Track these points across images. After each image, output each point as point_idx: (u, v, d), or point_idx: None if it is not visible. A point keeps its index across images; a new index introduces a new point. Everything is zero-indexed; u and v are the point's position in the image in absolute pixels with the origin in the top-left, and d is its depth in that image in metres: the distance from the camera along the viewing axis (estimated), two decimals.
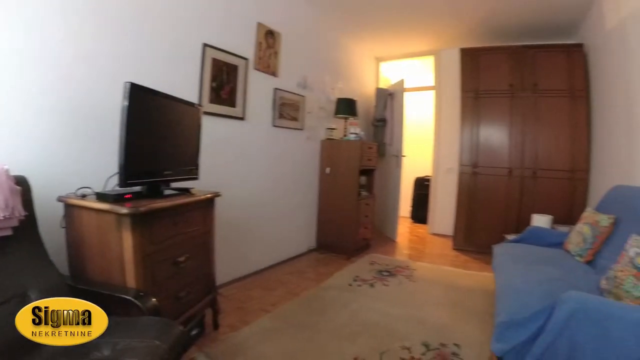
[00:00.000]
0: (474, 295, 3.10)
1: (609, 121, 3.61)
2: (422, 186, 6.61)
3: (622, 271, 1.80)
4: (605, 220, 2.45)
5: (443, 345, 2.26)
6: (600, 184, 3.67)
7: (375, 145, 4.73)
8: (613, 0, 3.26)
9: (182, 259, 1.96)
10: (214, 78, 2.96)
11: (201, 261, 2.21)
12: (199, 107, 2.36)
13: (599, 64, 3.83)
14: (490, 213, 4.47)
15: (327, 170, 4.37)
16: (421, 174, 6.84)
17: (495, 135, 4.47)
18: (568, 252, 2.70)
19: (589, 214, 2.73)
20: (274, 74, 3.66)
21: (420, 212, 6.58)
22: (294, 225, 4.15)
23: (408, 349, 2.20)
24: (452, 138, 5.29)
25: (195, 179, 2.28)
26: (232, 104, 3.16)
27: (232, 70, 3.14)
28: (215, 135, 2.93)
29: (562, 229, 3.33)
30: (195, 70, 2.81)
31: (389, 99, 5.46)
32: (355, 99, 4.68)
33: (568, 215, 3.92)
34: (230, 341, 2.20)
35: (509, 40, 4.71)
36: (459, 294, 3.14)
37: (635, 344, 1.41)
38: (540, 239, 3.07)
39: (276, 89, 3.70)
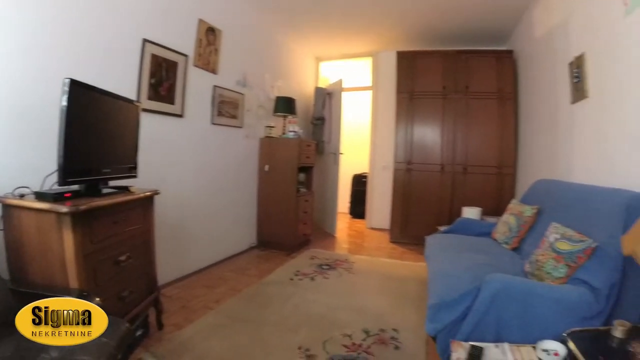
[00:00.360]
0: (410, 283, 3.35)
1: (534, 121, 4.01)
2: (359, 183, 6.88)
3: (543, 255, 1.99)
4: (529, 210, 2.70)
5: (382, 330, 2.43)
6: (526, 178, 4.08)
7: (313, 143, 4.88)
8: (543, 10, 3.62)
9: (123, 258, 1.95)
10: (152, 74, 2.91)
11: (142, 260, 2.20)
12: (138, 104, 2.33)
13: (527, 69, 4.26)
14: (424, 207, 4.80)
15: (266, 167, 4.43)
16: (359, 171, 7.12)
17: (428, 133, 4.80)
18: (496, 240, 2.97)
19: (514, 205, 3.01)
20: (213, 71, 3.65)
21: (358, 208, 6.84)
22: (234, 223, 4.17)
23: (349, 336, 2.35)
24: (387, 136, 5.58)
25: (134, 177, 2.26)
26: (170, 100, 3.12)
27: (171, 66, 3.11)
28: (154, 132, 2.89)
29: (491, 219, 3.66)
30: (134, 66, 2.75)
31: (327, 98, 5.63)
32: (294, 97, 4.80)
33: (496, 207, 4.32)
34: (176, 340, 2.22)
35: (444, 45, 5.11)
36: (396, 283, 3.37)
37: (555, 319, 1.60)
38: (469, 229, 3.35)
39: (216, 86, 3.70)
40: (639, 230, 1.42)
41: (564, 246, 1.87)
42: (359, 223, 6.46)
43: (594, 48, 2.49)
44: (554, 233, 2.00)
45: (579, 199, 2.23)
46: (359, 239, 5.31)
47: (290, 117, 4.79)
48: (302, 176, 4.65)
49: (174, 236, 3.19)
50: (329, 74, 6.73)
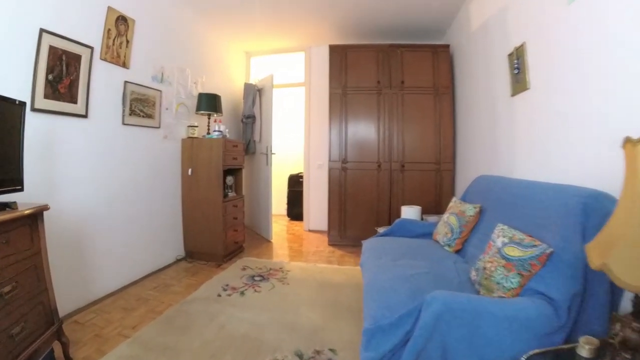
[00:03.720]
0: (348, 291, 3.27)
1: (473, 116, 4.13)
2: (296, 183, 6.81)
3: (490, 262, 1.85)
4: (471, 209, 2.67)
5: (318, 352, 2.26)
6: (466, 175, 4.22)
7: (241, 143, 4.71)
8: (478, 2, 3.73)
9: (7, 288, 1.70)
10: (51, 69, 2.61)
11: (34, 289, 1.93)
12: (21, 104, 2.06)
13: (464, 63, 4.40)
14: (362, 207, 4.83)
15: (189, 171, 4.21)
16: (295, 171, 7.05)
17: (363, 130, 4.82)
18: (437, 242, 2.90)
19: (455, 204, 2.98)
20: (125, 65, 3.38)
21: (295, 209, 6.78)
22: (156, 234, 3.91)
23: None
24: (321, 134, 5.57)
25: (18, 190, 1.99)
26: (72, 99, 2.82)
27: (73, 60, 2.81)
28: (51, 136, 2.60)
29: (431, 218, 3.73)
30: (28, 60, 2.46)
31: (257, 95, 5.48)
32: (220, 94, 4.60)
33: (436, 205, 4.49)
34: None
35: (379, 39, 5.19)
36: (333, 291, 3.27)
37: (511, 340, 1.44)
38: (409, 230, 3.30)
39: (127, 82, 3.43)
40: (607, 239, 1.20)
41: (514, 252, 1.74)
42: (297, 225, 6.39)
43: (535, 38, 2.55)
44: (501, 236, 1.89)
45: (525, 196, 2.17)
46: (296, 243, 5.23)
47: (215, 116, 4.60)
48: (230, 179, 4.49)
49: (81, 255, 2.90)
50: (260, 69, 6.58)
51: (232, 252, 4.42)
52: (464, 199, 3.08)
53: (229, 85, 5.65)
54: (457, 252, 2.67)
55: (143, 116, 3.68)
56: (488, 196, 2.67)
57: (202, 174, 4.18)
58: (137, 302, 3.07)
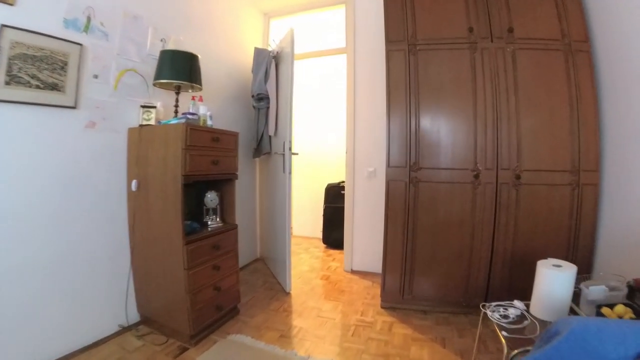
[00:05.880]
0: None
1: (634, 89, 2.20)
2: (336, 196, 4.98)
3: None
4: None
5: None
6: (623, 193, 2.34)
7: (229, 134, 2.80)
8: None
9: None
10: None
11: None
12: None
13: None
14: (442, 247, 2.85)
15: (133, 185, 2.50)
16: (335, 179, 5.24)
17: (446, 115, 2.83)
18: None
19: None
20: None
21: (334, 233, 4.95)
22: (77, 291, 2.30)
23: None
24: (373, 123, 3.74)
25: None
26: None
27: None
28: None
29: (594, 289, 1.73)
30: None
31: (272, 64, 3.68)
32: (197, 54, 2.79)
33: (571, 248, 2.52)
34: None
35: None
36: None
37: None
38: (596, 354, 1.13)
39: (5, 25, 1.87)
40: None
41: None
42: (335, 258, 4.53)
43: None
44: None
45: None
46: (329, 300, 3.29)
47: (193, 91, 2.87)
48: (211, 197, 2.73)
49: None
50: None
51: (214, 323, 2.65)
52: None
53: (238, 57, 3.94)
54: None
55: (39, 87, 2.04)
56: None
57: (154, 190, 2.44)
58: None
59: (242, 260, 3.85)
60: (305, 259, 4.45)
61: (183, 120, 2.42)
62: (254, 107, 3.90)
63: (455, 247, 2.81)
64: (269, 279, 3.72)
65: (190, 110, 2.67)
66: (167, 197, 2.35)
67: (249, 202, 4.22)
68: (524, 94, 2.69)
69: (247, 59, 4.04)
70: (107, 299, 2.50)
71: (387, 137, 2.93)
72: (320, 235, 5.26)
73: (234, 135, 2.81)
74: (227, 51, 3.78)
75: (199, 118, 2.66)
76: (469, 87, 2.76)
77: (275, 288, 3.49)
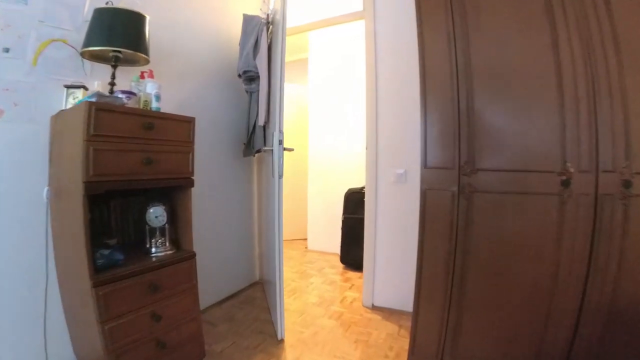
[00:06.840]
0: None
1: None
2: (358, 205, 4.05)
3: None
4: None
5: None
6: None
7: (187, 121, 1.92)
8: None
9: None
10: None
11: None
12: None
13: None
14: (506, 286, 1.86)
15: (45, 193, 1.71)
16: (357, 184, 4.34)
17: (516, 85, 1.86)
18: None
19: None
20: None
21: (354, 250, 4.02)
22: None
23: None
24: (405, 105, 2.81)
25: None
26: None
27: None
28: None
29: None
30: None
31: (263, 33, 2.79)
32: (145, 14, 1.94)
33: None
34: None
35: None
36: None
37: None
38: None
39: None
40: None
41: None
42: (353, 284, 3.59)
43: None
44: None
45: None
46: (333, 358, 2.33)
47: (140, 65, 2.02)
48: (156, 214, 1.86)
49: None
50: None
51: None
52: None
53: (226, 28, 3.12)
54: None
55: None
56: None
57: (65, 202, 1.65)
58: None
59: (235, 285, 3.05)
60: (316, 284, 3.55)
61: (94, 100, 1.56)
62: (246, 91, 3.03)
63: (527, 291, 1.82)
64: (262, 315, 2.84)
65: (131, 89, 1.85)
66: (74, 212, 1.51)
67: (244, 212, 3.33)
68: (628, 50, 1.69)
69: (238, 31, 3.18)
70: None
71: (423, 123, 1.98)
72: (338, 250, 4.34)
73: (187, 121, 1.92)
74: (210, 19, 2.94)
75: (140, 99, 1.82)
76: (546, 39, 1.78)
77: (265, 331, 2.59)
